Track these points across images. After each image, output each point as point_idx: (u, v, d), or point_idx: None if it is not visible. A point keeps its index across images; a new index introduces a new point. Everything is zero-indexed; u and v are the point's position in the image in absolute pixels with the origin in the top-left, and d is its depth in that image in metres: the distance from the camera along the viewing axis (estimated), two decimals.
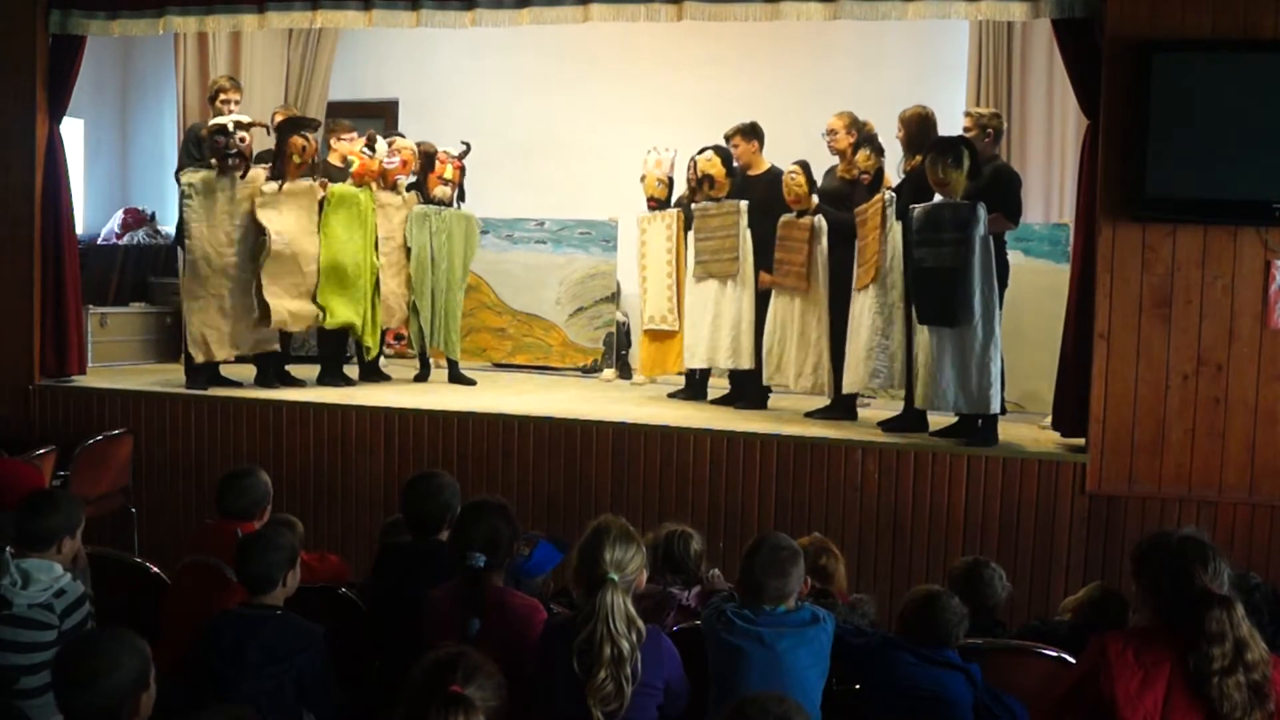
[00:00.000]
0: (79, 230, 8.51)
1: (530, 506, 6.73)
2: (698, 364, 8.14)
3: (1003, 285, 6.63)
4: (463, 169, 8.73)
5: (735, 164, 7.97)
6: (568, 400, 7.98)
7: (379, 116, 11.30)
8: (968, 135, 6.80)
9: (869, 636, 4.09)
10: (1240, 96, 5.99)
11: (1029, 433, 7.06)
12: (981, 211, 6.28)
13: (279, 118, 8.32)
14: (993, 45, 9.28)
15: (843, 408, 7.34)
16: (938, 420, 6.92)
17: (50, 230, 7.96)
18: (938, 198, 6.50)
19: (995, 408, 6.42)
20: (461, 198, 8.81)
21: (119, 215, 10.51)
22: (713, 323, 7.94)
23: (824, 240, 7.32)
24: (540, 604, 3.96)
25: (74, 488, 6.45)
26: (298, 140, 7.95)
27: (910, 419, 6.97)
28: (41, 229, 7.93)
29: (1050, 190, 9.28)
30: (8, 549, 4.04)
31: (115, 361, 9.00)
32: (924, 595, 3.97)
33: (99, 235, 10.38)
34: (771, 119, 8.10)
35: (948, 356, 6.43)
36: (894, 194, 7.01)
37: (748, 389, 7.92)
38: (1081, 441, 6.38)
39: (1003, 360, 6.54)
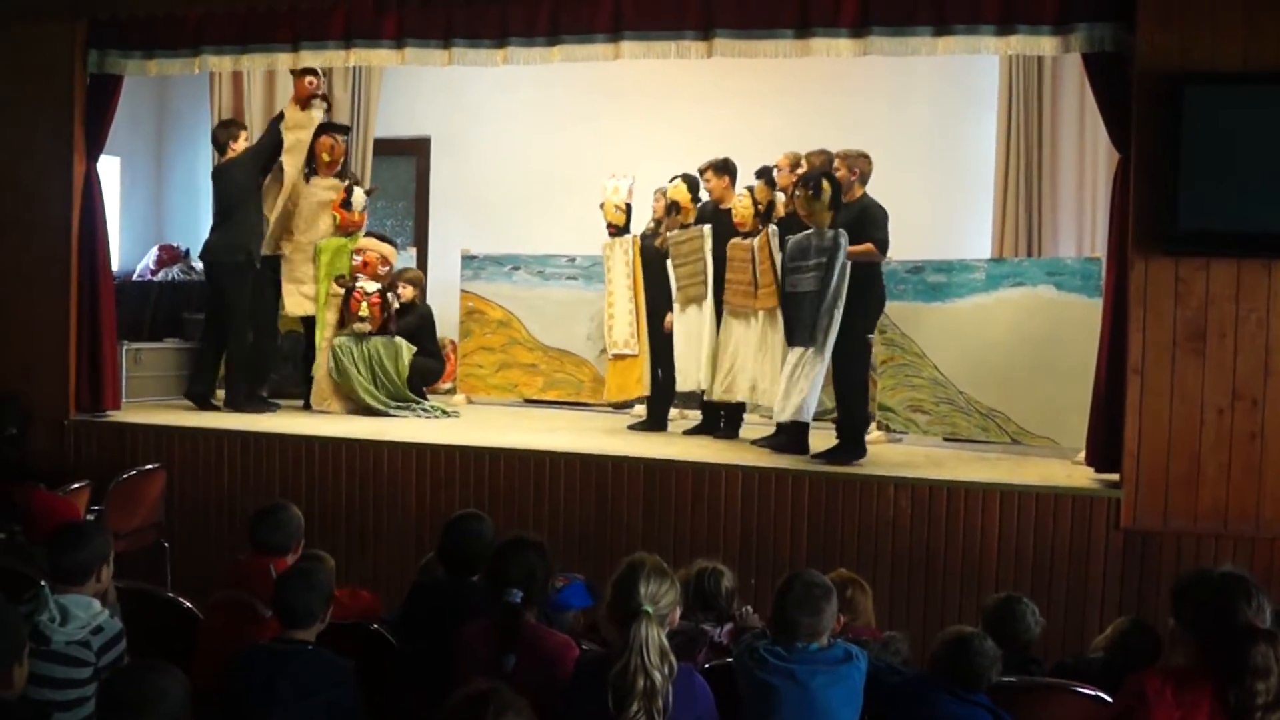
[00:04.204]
0: (114, 266, 8.59)
1: (562, 543, 6.71)
2: (689, 388, 8.37)
3: (876, 312, 7.38)
4: (383, 304, 8.88)
5: (708, 196, 8.29)
6: (599, 436, 7.99)
7: (412, 153, 11.38)
8: (837, 175, 7.17)
9: (904, 674, 4.07)
10: (1273, 129, 5.95)
11: (1062, 468, 7.01)
12: (843, 240, 6.84)
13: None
14: (1023, 78, 9.27)
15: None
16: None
17: (86, 267, 8.05)
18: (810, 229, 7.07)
19: (807, 417, 7.04)
20: (388, 331, 8.92)
21: (154, 252, 10.60)
22: (699, 347, 8.17)
23: (775, 259, 7.50)
24: (573, 641, 3.96)
25: (108, 522, 6.48)
26: (326, 139, 8.80)
27: (790, 439, 7.33)
28: (78, 266, 8.03)
29: (1082, 223, 9.25)
30: (45, 585, 4.05)
31: (149, 397, 9.05)
32: (956, 637, 3.94)
33: (134, 271, 10.46)
34: (802, 150, 8.11)
35: (790, 370, 7.04)
36: (777, 227, 7.51)
37: (727, 417, 8.21)
38: (1116, 477, 6.32)
39: (867, 379, 7.34)
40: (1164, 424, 6.12)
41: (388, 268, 8.99)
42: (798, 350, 7.04)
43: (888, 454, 7.10)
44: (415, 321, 9.02)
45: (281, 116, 8.95)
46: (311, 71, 8.85)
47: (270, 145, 8.91)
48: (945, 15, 6.60)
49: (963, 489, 6.46)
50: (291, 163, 8.86)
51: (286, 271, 8.97)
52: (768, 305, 7.55)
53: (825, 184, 6.92)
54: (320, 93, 9.04)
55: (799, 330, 7.03)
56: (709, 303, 8.08)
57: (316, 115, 8.96)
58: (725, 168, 8.23)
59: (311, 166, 8.94)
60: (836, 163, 7.27)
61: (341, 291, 8.82)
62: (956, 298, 8.09)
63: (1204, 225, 6.01)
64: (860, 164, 7.24)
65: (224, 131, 8.93)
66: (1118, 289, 6.35)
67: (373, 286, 8.88)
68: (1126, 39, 6.25)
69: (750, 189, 7.85)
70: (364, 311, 8.78)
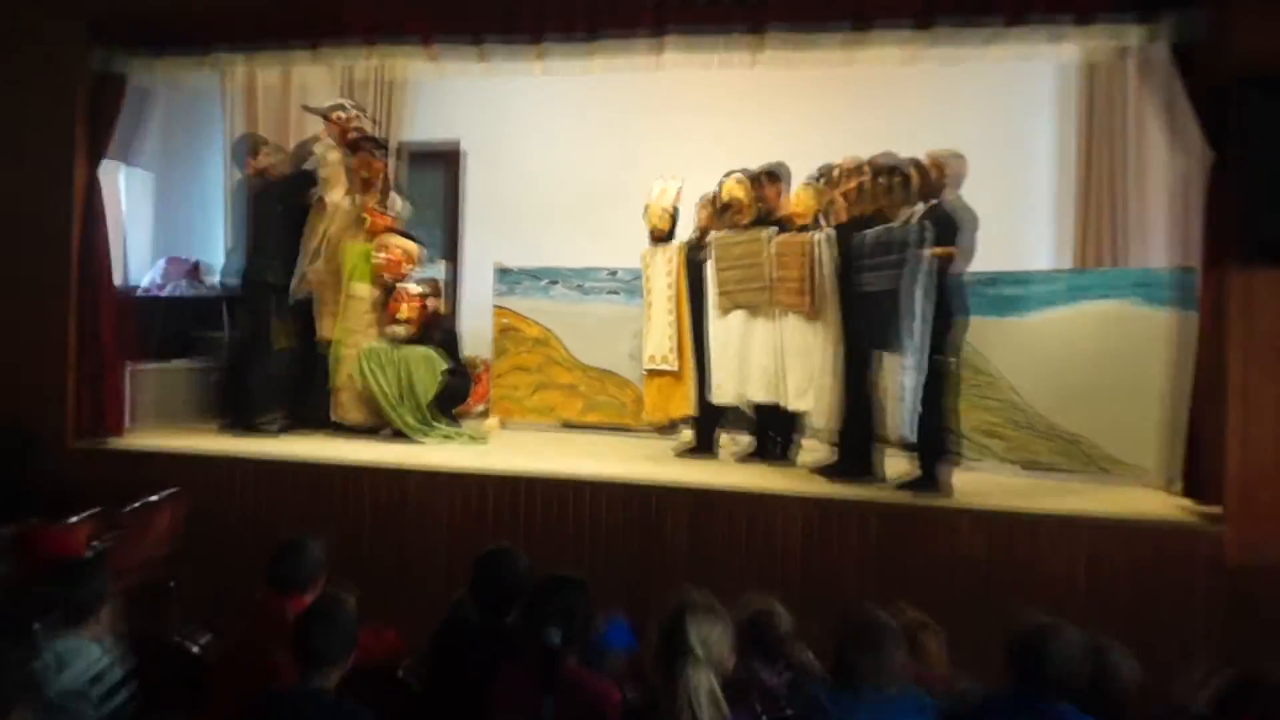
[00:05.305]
0: (118, 280, 8.65)
1: (603, 579, 6.60)
2: (727, 401, 8.30)
3: (962, 330, 7.09)
4: (424, 307, 8.93)
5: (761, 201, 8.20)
6: (643, 463, 7.96)
7: (442, 162, 11.37)
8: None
9: (973, 701, 4.01)
10: None
11: (1155, 499, 6.92)
12: (928, 233, 6.73)
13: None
14: (1105, 68, 9.15)
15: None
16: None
17: (88, 280, 8.12)
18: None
19: (911, 436, 6.84)
20: (429, 340, 8.96)
21: (161, 264, 10.62)
22: (741, 355, 8.11)
23: (828, 259, 7.46)
24: (616, 687, 3.93)
25: (111, 558, 6.47)
26: (363, 157, 8.91)
27: (851, 464, 7.26)
28: (79, 279, 8.09)
29: (1173, 230, 9.10)
30: (41, 628, 4.03)
31: (155, 421, 9.07)
32: (1031, 632, 3.87)
33: (139, 286, 10.49)
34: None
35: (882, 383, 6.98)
36: (833, 230, 7.46)
37: (782, 442, 8.15)
38: (1217, 509, 6.23)
39: (952, 404, 7.08)
40: (1269, 449, 6.03)
41: (412, 266, 9.02)
42: (885, 357, 6.92)
43: (960, 483, 7.02)
44: (442, 337, 9.02)
45: (312, 152, 9.08)
46: (339, 107, 9.03)
47: (294, 182, 9.08)
48: (1020, 3, 6.56)
49: (1043, 522, 6.40)
50: (332, 195, 9.00)
51: (319, 295, 9.06)
52: (813, 309, 7.54)
53: (914, 174, 6.87)
54: (354, 126, 9.15)
55: (878, 333, 6.90)
56: (768, 313, 7.99)
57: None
58: (777, 175, 8.22)
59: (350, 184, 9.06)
60: (927, 162, 7.18)
61: (362, 295, 8.83)
62: (1034, 312, 8.04)
63: None
64: (952, 164, 7.13)
65: (243, 147, 9.09)
66: (1214, 302, 6.28)
67: (417, 289, 8.92)
68: (1221, 27, 6.18)
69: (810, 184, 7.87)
70: (404, 314, 8.80)
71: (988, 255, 8.47)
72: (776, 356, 7.92)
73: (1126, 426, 7.52)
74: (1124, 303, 7.68)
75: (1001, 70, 8.37)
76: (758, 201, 8.14)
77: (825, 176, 7.71)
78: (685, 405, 8.55)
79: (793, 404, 7.84)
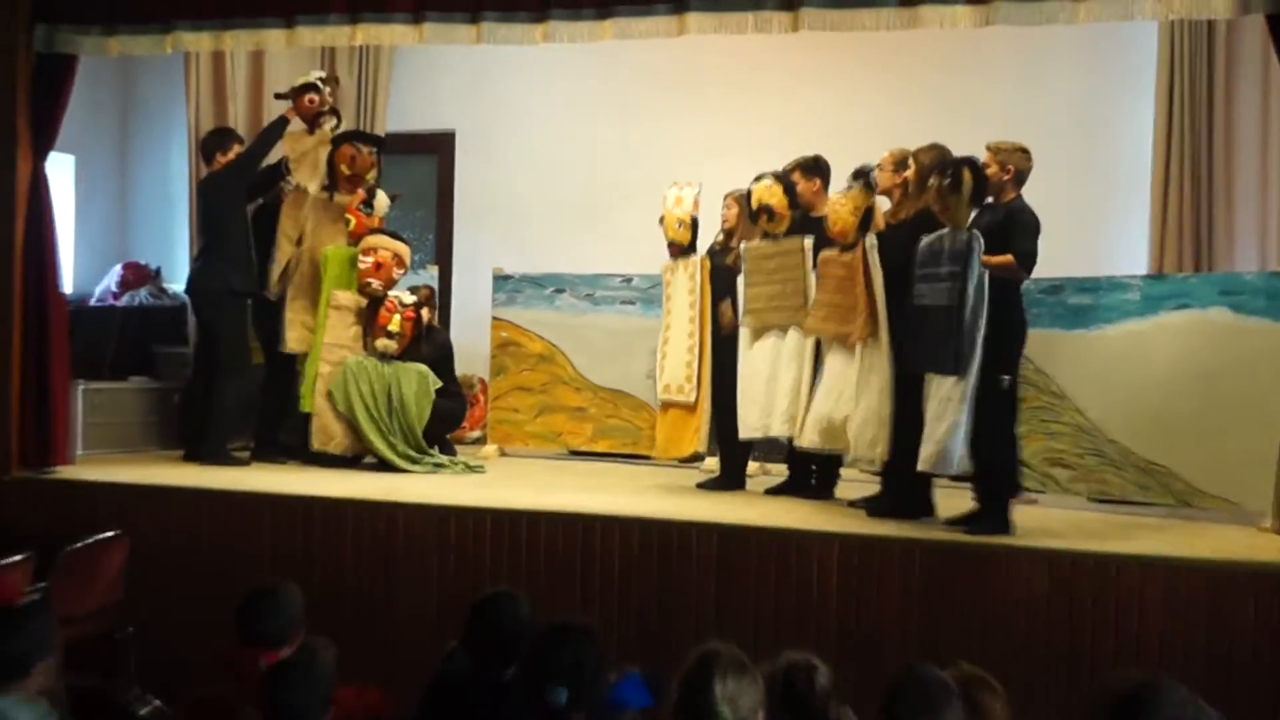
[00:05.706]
0: (68, 289, 8.66)
1: (616, 628, 6.68)
2: (752, 434, 8.23)
3: (1018, 344, 7.07)
4: (416, 319, 8.94)
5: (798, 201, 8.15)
6: (661, 496, 7.98)
7: (432, 151, 11.39)
8: (987, 171, 7.07)
9: None
10: None
11: (1245, 538, 6.89)
12: (977, 243, 6.76)
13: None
14: (1189, 49, 9.17)
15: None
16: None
17: (33, 289, 8.11)
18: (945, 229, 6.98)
19: (953, 468, 6.87)
20: (417, 355, 8.98)
21: (116, 270, 10.65)
22: (768, 383, 8.05)
23: (879, 277, 7.43)
24: None
25: (56, 603, 6.47)
26: (346, 149, 9.00)
27: (898, 498, 7.27)
28: (22, 288, 8.08)
29: (1266, 230, 9.12)
30: None
31: (110, 449, 9.11)
32: (1136, 685, 3.81)
33: (92, 295, 10.52)
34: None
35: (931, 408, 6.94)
36: (876, 240, 7.45)
37: (819, 472, 8.10)
38: None
39: (1016, 432, 7.15)
40: None
41: (403, 270, 9.05)
42: (935, 379, 6.91)
43: (1020, 519, 7.00)
44: (435, 352, 9.00)
45: (282, 131, 9.19)
46: (312, 88, 9.08)
47: (259, 159, 9.15)
48: None
49: (1115, 563, 6.36)
50: (309, 183, 9.15)
51: (291, 298, 9.12)
52: (863, 335, 7.48)
53: (966, 175, 6.84)
54: (327, 109, 9.22)
55: (929, 353, 6.90)
56: (801, 336, 7.95)
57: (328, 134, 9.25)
58: (816, 168, 8.18)
59: (331, 181, 9.16)
60: (986, 157, 7.14)
61: (346, 304, 8.86)
62: (1105, 324, 8.03)
63: None
64: (1015, 160, 7.11)
65: (215, 141, 9.17)
66: None
67: (410, 298, 8.93)
68: None
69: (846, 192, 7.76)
70: (395, 326, 8.79)
71: (1077, 257, 8.52)
72: (803, 388, 7.90)
73: (1211, 454, 7.49)
74: (1209, 312, 7.66)
75: (1099, 31, 8.36)
76: (792, 208, 8.09)
77: (863, 179, 7.62)
78: (696, 441, 8.53)
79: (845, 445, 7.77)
